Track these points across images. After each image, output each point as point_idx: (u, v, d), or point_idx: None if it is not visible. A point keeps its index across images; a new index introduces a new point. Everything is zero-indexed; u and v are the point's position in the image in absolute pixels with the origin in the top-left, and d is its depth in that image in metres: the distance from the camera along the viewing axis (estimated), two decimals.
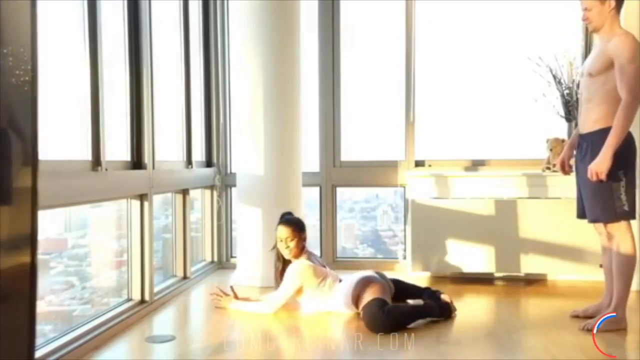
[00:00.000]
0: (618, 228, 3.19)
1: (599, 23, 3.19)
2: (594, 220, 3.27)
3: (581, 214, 3.38)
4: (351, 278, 3.57)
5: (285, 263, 3.71)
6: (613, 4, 3.15)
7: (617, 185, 3.12)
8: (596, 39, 3.29)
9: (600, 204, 3.18)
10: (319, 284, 3.57)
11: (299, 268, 3.57)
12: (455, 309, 3.52)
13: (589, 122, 3.23)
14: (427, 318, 3.39)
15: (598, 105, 3.18)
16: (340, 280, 3.64)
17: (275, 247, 3.72)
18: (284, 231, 3.65)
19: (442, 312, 3.45)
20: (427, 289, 3.72)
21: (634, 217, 3.21)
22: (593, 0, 3.16)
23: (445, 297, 3.57)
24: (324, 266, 3.77)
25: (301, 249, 3.66)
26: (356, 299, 3.46)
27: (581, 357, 2.83)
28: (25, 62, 1.61)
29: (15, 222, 1.60)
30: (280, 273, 3.74)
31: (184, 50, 4.47)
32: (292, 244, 3.62)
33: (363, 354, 2.89)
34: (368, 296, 3.38)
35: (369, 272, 3.60)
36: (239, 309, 3.64)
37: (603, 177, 3.08)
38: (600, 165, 3.08)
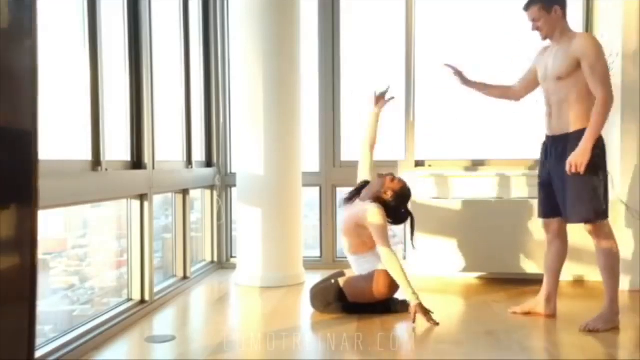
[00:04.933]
0: (602, 228, 3.22)
1: (549, 31, 3.28)
2: (585, 221, 3.25)
3: (548, 213, 3.41)
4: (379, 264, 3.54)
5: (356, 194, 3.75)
6: (559, 10, 3.24)
7: (598, 185, 3.17)
8: (552, 43, 3.33)
9: (586, 204, 3.18)
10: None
11: (376, 208, 3.53)
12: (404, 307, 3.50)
13: (563, 123, 3.25)
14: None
15: (572, 106, 3.21)
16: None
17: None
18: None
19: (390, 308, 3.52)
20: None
21: (607, 217, 3.26)
22: (539, 11, 3.24)
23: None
24: None
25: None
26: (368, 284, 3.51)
27: (581, 357, 2.83)
28: None
29: (15, 222, 1.60)
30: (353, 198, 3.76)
31: (184, 50, 4.47)
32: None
33: (363, 354, 2.90)
34: (360, 283, 3.49)
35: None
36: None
37: (582, 169, 3.10)
38: (580, 157, 3.10)
